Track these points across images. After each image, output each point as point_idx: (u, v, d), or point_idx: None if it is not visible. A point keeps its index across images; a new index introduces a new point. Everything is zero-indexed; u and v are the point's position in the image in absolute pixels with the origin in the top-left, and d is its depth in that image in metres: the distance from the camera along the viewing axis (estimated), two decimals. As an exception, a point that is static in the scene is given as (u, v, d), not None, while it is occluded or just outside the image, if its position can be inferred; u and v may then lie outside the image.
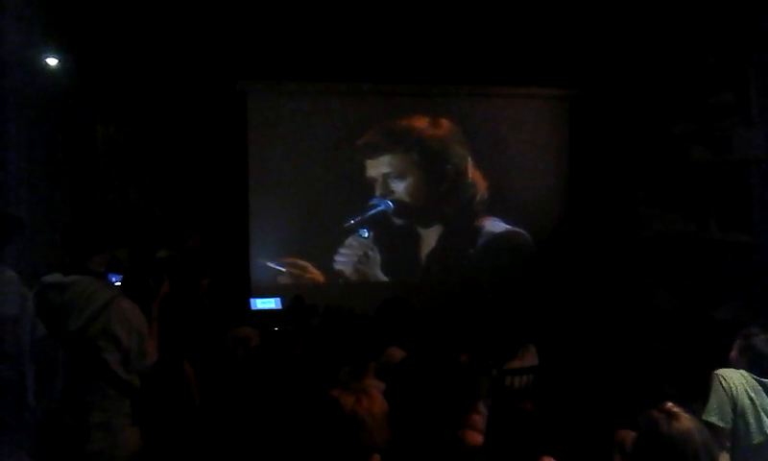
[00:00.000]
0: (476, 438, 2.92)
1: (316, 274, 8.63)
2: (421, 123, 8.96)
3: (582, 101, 9.01)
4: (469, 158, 9.04)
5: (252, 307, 7.30)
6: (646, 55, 7.71)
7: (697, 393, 3.54)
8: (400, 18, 7.75)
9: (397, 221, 8.78)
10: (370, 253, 8.77)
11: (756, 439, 3.32)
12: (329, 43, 7.93)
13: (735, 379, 3.40)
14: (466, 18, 7.82)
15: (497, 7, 7.69)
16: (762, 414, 3.34)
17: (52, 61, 6.71)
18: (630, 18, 7.49)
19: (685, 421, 2.45)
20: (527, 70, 8.52)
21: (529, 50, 8.26)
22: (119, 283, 3.46)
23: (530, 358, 5.20)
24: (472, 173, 9.05)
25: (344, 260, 8.74)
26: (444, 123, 9.00)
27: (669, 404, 2.54)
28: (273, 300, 7.42)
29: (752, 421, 3.33)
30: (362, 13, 7.63)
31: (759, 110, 6.42)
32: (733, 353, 3.60)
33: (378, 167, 8.81)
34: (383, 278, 8.80)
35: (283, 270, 8.51)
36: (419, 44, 8.07)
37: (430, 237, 8.98)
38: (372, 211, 8.71)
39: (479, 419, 3.16)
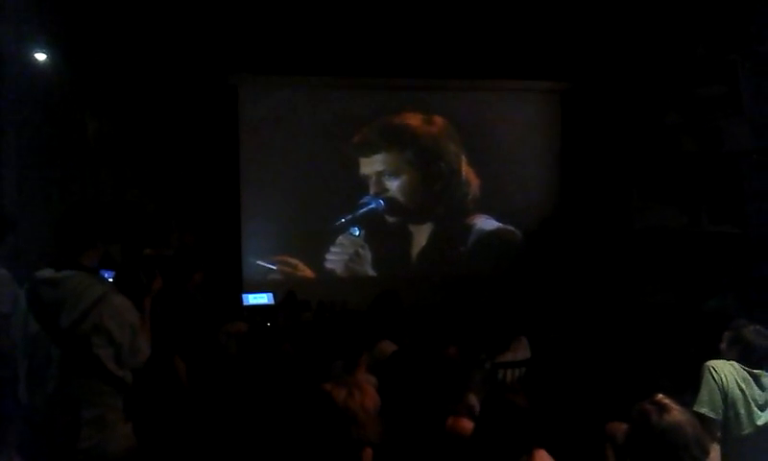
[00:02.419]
0: (469, 429, 2.93)
1: (307, 271, 8.60)
2: (416, 121, 8.94)
3: (573, 94, 9.01)
4: (463, 156, 9.04)
5: (245, 303, 7.28)
6: (637, 48, 7.73)
7: (688, 385, 3.56)
8: (392, 12, 7.73)
9: (390, 219, 8.77)
10: (360, 251, 8.76)
11: (747, 430, 3.35)
12: (322, 37, 7.91)
13: (726, 371, 3.42)
14: (458, 12, 7.82)
15: (489, 1, 7.70)
16: (753, 405, 3.36)
17: (41, 57, 6.67)
18: (620, 11, 7.50)
19: (676, 412, 2.47)
20: (518, 64, 8.52)
21: (520, 44, 8.26)
22: (112, 279, 3.45)
23: (522, 351, 5.23)
24: (465, 171, 9.05)
25: (335, 259, 8.72)
26: (438, 120, 8.99)
27: (660, 396, 2.56)
28: (265, 295, 7.41)
29: (742, 412, 3.35)
30: (355, 8, 7.62)
31: (750, 103, 6.44)
32: (723, 345, 3.62)
33: (372, 165, 8.78)
34: (374, 275, 8.79)
35: (274, 268, 8.49)
36: (411, 38, 8.05)
37: (421, 235, 8.97)
38: (364, 210, 8.69)
39: (471, 411, 3.18)
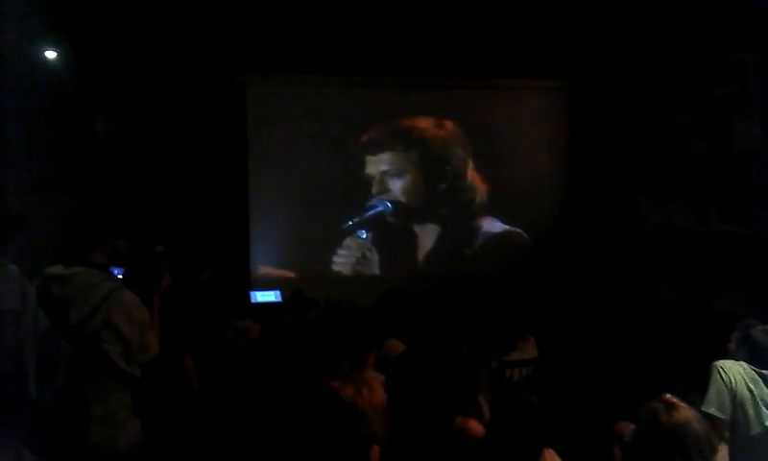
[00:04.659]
0: (477, 429, 2.93)
1: (314, 272, 8.53)
2: (425, 123, 8.85)
3: (582, 93, 8.97)
4: (470, 161, 8.97)
5: (253, 300, 7.30)
6: (646, 47, 7.70)
7: (696, 384, 3.55)
8: (401, 11, 7.73)
9: (395, 220, 8.69)
10: (368, 253, 8.70)
11: (755, 430, 3.34)
12: (330, 37, 7.90)
13: (734, 371, 3.41)
14: (467, 11, 7.81)
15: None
16: (761, 405, 3.35)
17: (51, 55, 6.70)
18: (630, 10, 7.48)
19: (685, 411, 2.47)
20: (527, 63, 8.48)
21: (529, 42, 8.23)
22: (121, 276, 3.46)
23: (529, 350, 5.22)
24: (471, 175, 8.98)
25: (342, 261, 8.67)
26: (448, 124, 8.91)
27: (668, 395, 2.55)
28: (273, 292, 7.42)
29: (751, 412, 3.34)
30: (364, 7, 7.61)
31: (759, 103, 6.41)
32: (732, 345, 3.61)
33: (377, 164, 8.70)
34: (382, 277, 8.71)
35: (280, 269, 8.45)
36: (420, 38, 8.04)
37: (428, 237, 8.90)
38: (371, 212, 8.64)
39: (479, 410, 3.17)
